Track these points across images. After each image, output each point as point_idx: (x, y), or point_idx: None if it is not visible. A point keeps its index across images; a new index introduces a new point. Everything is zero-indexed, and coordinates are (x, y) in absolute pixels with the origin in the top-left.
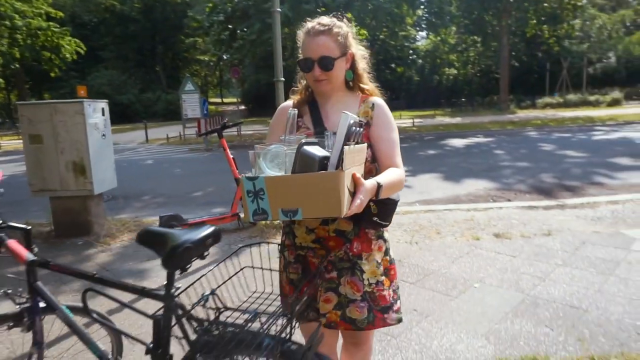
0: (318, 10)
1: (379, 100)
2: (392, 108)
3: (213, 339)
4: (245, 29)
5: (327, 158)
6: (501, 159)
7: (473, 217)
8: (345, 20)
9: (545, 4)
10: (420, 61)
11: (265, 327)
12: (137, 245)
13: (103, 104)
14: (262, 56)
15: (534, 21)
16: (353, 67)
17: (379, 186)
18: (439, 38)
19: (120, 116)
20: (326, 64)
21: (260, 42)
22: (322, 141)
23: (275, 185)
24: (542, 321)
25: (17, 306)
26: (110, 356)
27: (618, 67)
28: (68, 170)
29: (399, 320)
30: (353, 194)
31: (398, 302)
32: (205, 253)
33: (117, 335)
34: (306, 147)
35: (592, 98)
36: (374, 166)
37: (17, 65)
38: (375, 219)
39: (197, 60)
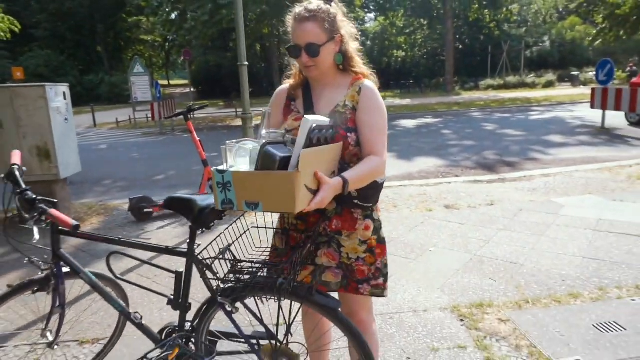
0: None
1: (367, 83)
2: None
3: (231, 285)
4: (195, 10)
5: (288, 158)
6: (449, 139)
7: (425, 192)
8: (335, 1)
9: None
10: (369, 43)
11: (276, 271)
12: (108, 227)
13: (64, 87)
14: (212, 37)
15: (476, 5)
16: (342, 50)
17: (345, 182)
18: (387, 21)
19: None
20: (313, 50)
21: (213, 23)
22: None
23: (241, 179)
24: (487, 275)
25: (41, 272)
26: (130, 311)
27: (552, 50)
28: (32, 155)
29: (373, 294)
30: (316, 191)
31: (380, 279)
32: (223, 215)
33: (124, 295)
34: (269, 147)
35: (529, 80)
36: (358, 149)
37: None
38: (355, 201)
39: (140, 41)
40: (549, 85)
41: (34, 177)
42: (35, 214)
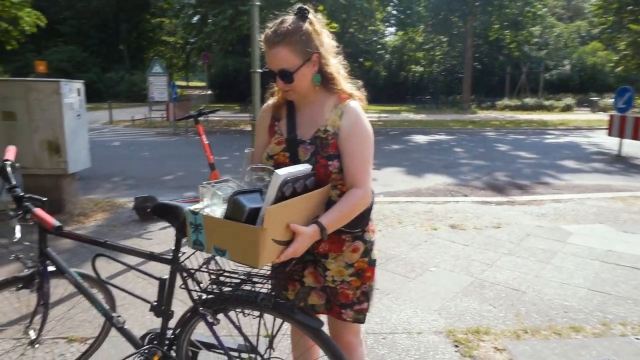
0: (291, 1)
1: (351, 106)
2: None
3: (213, 296)
4: (216, 15)
5: (258, 210)
6: (460, 157)
7: (432, 209)
8: (310, 13)
9: (508, 10)
10: (387, 56)
11: (259, 285)
12: (112, 224)
13: (79, 84)
14: (232, 42)
15: (497, 26)
16: (321, 68)
17: (322, 228)
18: (407, 36)
19: None
20: (286, 76)
21: (232, 28)
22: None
23: (210, 224)
24: (487, 300)
25: (27, 269)
26: (113, 314)
27: (572, 74)
28: (42, 148)
29: (356, 320)
30: (289, 242)
31: (365, 303)
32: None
33: (111, 297)
34: (239, 197)
35: (547, 103)
36: (342, 175)
37: None
38: (342, 228)
39: (162, 42)
40: (567, 109)
41: (43, 170)
42: (20, 212)
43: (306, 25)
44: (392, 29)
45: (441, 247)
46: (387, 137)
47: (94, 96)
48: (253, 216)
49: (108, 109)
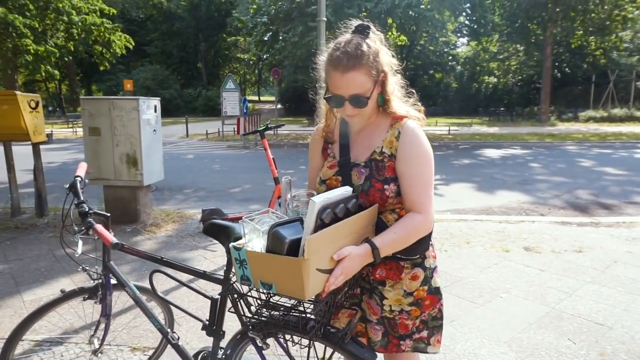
0: (360, 15)
1: (408, 126)
2: (429, 115)
3: (263, 319)
4: (287, 32)
5: (298, 240)
6: (537, 172)
7: (504, 229)
8: (372, 30)
9: (594, 15)
10: (459, 68)
11: (310, 311)
12: (180, 235)
13: (156, 101)
14: (301, 58)
15: (581, 32)
16: (383, 89)
17: (374, 248)
18: (480, 46)
19: (162, 110)
20: (359, 102)
21: (302, 44)
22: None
23: (254, 259)
24: (565, 334)
25: (93, 281)
26: (168, 329)
27: None
28: (122, 161)
29: (416, 349)
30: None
31: (424, 331)
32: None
33: (170, 312)
34: (278, 229)
35: (639, 113)
36: (400, 198)
37: (71, 58)
38: (399, 255)
39: (237, 59)
40: None
41: (121, 182)
42: (83, 228)
43: (371, 44)
44: (465, 40)
45: (513, 271)
46: (457, 151)
47: (173, 111)
48: (295, 247)
49: (185, 123)
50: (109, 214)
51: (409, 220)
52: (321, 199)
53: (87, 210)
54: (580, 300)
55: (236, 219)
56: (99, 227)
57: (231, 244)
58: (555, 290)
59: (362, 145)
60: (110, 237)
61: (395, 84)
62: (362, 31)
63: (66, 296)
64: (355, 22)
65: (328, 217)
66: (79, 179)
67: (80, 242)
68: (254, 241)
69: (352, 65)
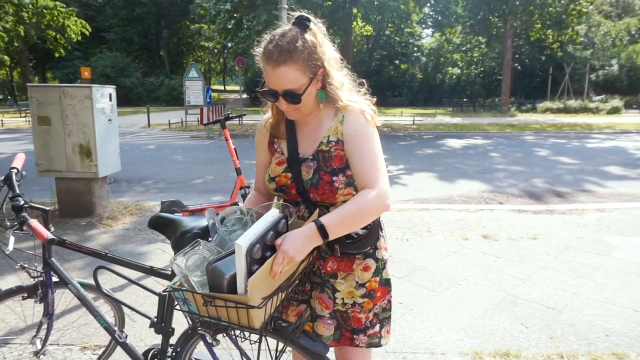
0: (325, 3)
1: (351, 109)
2: (394, 105)
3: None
4: (251, 20)
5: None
6: (496, 162)
7: (464, 218)
8: (312, 21)
9: (551, 9)
10: (424, 59)
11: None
12: (138, 228)
13: (110, 89)
14: None
15: (539, 25)
16: (324, 84)
17: (319, 226)
18: (443, 37)
19: (123, 99)
20: (292, 97)
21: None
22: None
23: (195, 298)
24: (519, 319)
25: (32, 279)
26: (115, 328)
27: (620, 75)
28: (74, 152)
29: (370, 345)
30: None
31: (377, 326)
32: (210, 238)
33: (120, 309)
34: (216, 265)
35: (592, 105)
36: (351, 189)
37: (21, 43)
38: (350, 250)
39: (201, 47)
40: (614, 111)
41: (75, 173)
42: (16, 223)
43: (310, 38)
44: (429, 31)
45: (472, 258)
46: (421, 141)
47: (134, 100)
48: (233, 284)
49: (146, 112)
50: (48, 208)
51: (359, 195)
52: (245, 240)
53: (21, 204)
54: (534, 285)
55: (197, 211)
56: (34, 222)
57: (170, 286)
58: (511, 277)
59: (309, 138)
60: (46, 232)
61: (342, 78)
62: (300, 24)
63: (2, 295)
64: (296, 14)
65: (258, 253)
66: (14, 170)
67: (12, 239)
68: (192, 279)
69: (283, 60)
